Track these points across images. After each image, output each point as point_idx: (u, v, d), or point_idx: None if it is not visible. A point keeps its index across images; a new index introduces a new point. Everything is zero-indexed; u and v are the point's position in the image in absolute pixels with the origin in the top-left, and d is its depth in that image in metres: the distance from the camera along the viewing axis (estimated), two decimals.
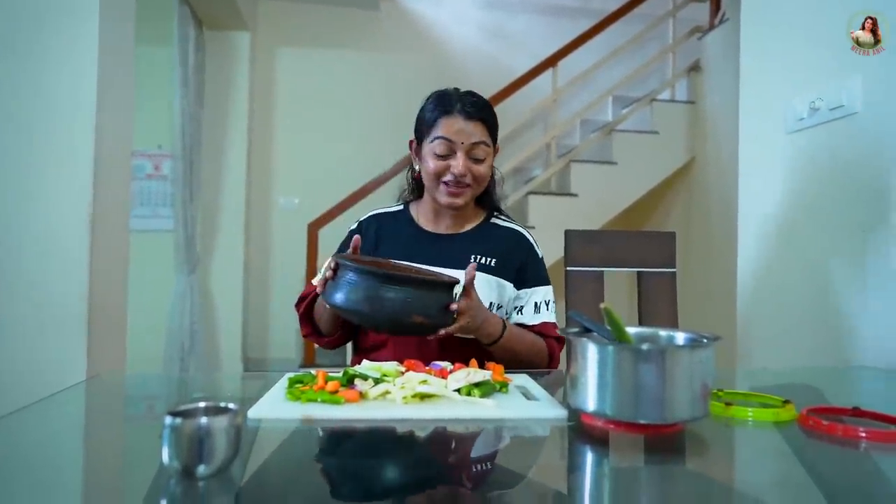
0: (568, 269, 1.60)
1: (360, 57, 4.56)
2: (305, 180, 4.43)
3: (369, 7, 4.49)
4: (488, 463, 0.72)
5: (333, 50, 4.54)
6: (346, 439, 0.78)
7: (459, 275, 1.20)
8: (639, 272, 1.63)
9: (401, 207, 1.43)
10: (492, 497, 0.62)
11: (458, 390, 0.88)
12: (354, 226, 1.41)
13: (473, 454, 0.75)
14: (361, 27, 4.55)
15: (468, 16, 4.77)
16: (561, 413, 0.82)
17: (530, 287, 1.35)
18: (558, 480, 0.69)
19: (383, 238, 1.36)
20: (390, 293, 1.04)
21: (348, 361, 1.38)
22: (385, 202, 1.47)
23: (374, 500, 0.61)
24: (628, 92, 4.50)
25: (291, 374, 0.97)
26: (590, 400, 0.76)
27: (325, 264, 1.39)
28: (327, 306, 1.13)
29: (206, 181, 4.01)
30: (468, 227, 1.39)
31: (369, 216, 1.42)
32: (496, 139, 1.33)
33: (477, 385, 0.89)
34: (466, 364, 0.99)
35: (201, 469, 0.57)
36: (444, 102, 1.28)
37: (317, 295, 1.33)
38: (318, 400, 0.85)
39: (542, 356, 1.30)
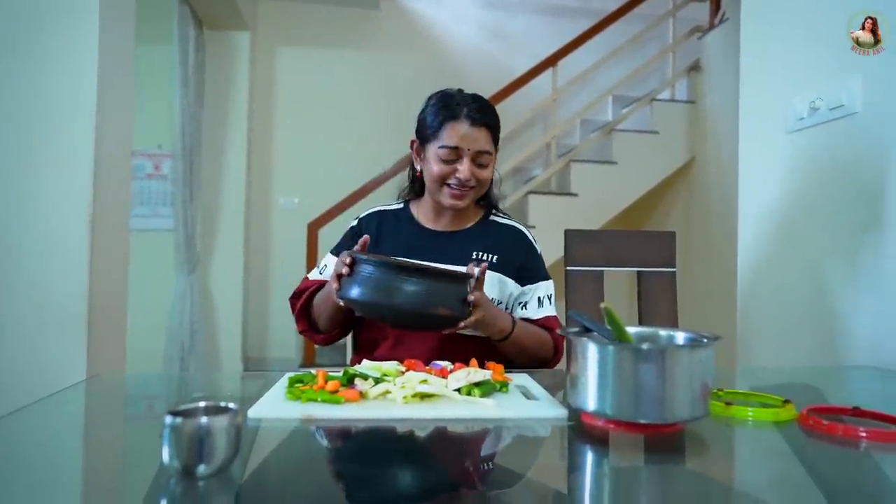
0: (568, 268, 1.60)
1: (360, 56, 4.56)
2: (305, 180, 4.43)
3: (369, 6, 4.49)
4: (488, 463, 0.72)
5: (333, 50, 4.54)
6: (346, 439, 0.78)
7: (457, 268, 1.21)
8: (639, 272, 1.63)
9: (401, 205, 1.43)
10: (492, 497, 0.62)
11: (459, 390, 0.88)
12: (355, 223, 1.41)
13: (473, 454, 0.75)
14: (361, 27, 4.55)
15: (468, 15, 4.77)
16: (561, 413, 0.83)
17: (534, 283, 1.37)
18: (558, 480, 0.69)
19: (384, 235, 1.37)
20: (413, 286, 1.04)
21: (348, 361, 1.38)
22: (385, 201, 1.48)
23: (375, 500, 0.61)
24: (628, 92, 4.50)
25: (291, 374, 0.97)
26: (590, 400, 0.76)
27: (323, 260, 1.40)
28: (338, 302, 1.12)
29: (206, 181, 4.01)
30: (468, 224, 1.40)
31: (369, 213, 1.42)
32: (498, 142, 1.34)
33: (477, 385, 0.89)
34: (466, 364, 0.99)
35: (201, 469, 0.57)
36: (450, 106, 1.28)
37: (314, 291, 1.33)
38: (319, 399, 0.85)
39: (548, 349, 1.32)
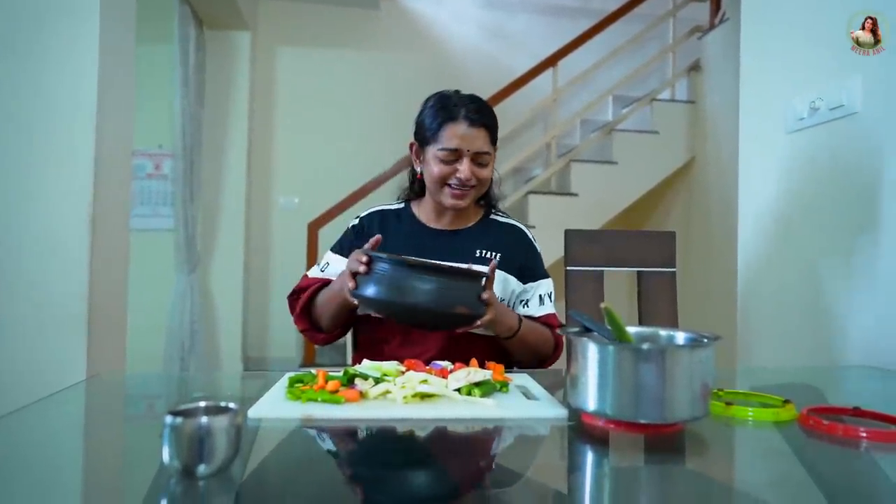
0: (568, 268, 1.60)
1: (360, 56, 4.56)
2: (305, 180, 4.43)
3: (369, 6, 4.49)
4: (488, 463, 0.72)
5: (334, 49, 4.54)
6: (346, 439, 0.78)
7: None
8: (639, 272, 1.63)
9: (402, 205, 1.44)
10: (492, 497, 0.62)
11: (459, 390, 0.88)
12: (356, 222, 1.41)
13: (474, 454, 0.75)
14: (362, 27, 4.55)
15: (468, 15, 4.77)
16: (561, 413, 0.83)
17: (535, 280, 1.39)
18: (558, 480, 0.69)
19: (387, 234, 1.36)
20: (433, 284, 1.04)
21: (349, 361, 1.38)
22: (385, 201, 1.48)
23: (375, 500, 0.61)
24: (628, 92, 4.50)
25: (292, 374, 0.97)
26: (590, 399, 0.76)
27: (324, 258, 1.39)
28: (351, 300, 1.12)
29: (207, 180, 4.01)
30: (470, 223, 1.41)
31: (371, 212, 1.42)
32: (496, 141, 1.35)
33: (477, 384, 0.89)
34: (467, 363, 0.99)
35: (201, 468, 0.57)
36: (448, 108, 1.29)
37: (316, 290, 1.33)
38: (319, 399, 0.85)
39: (550, 345, 1.34)
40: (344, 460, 0.72)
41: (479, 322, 1.11)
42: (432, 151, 1.29)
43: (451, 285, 1.06)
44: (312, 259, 3.73)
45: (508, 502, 0.60)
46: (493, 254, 1.35)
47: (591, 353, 0.76)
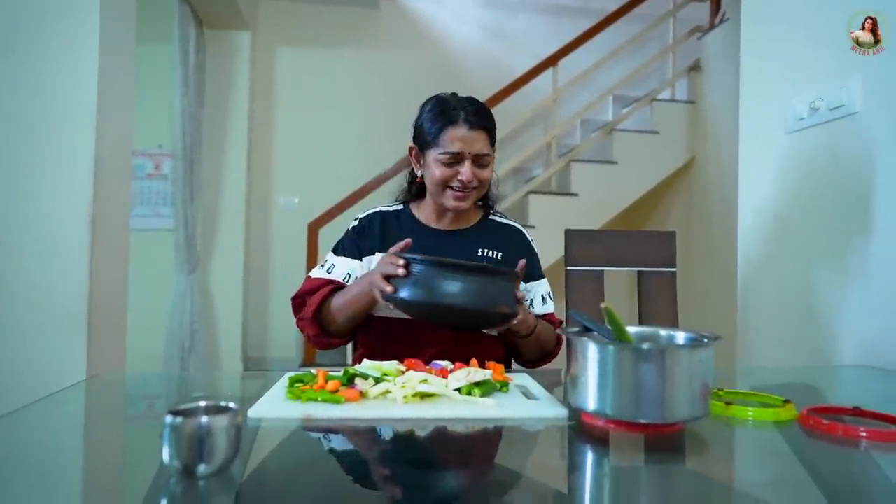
0: (568, 268, 1.60)
1: (361, 56, 4.56)
2: (305, 180, 4.43)
3: (369, 6, 4.49)
4: (488, 462, 0.72)
5: (334, 49, 4.54)
6: (346, 439, 0.78)
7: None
8: (639, 272, 1.63)
9: (400, 207, 1.44)
10: (492, 497, 0.62)
11: (459, 389, 0.88)
12: (356, 223, 1.41)
13: (473, 453, 0.75)
14: (362, 26, 4.55)
15: (468, 15, 4.77)
16: (561, 412, 0.83)
17: (535, 280, 1.41)
18: (558, 480, 0.69)
19: (389, 234, 1.37)
20: (476, 285, 1.04)
21: (349, 360, 1.38)
22: (385, 201, 1.48)
23: (374, 500, 0.61)
24: (628, 91, 4.50)
25: (292, 374, 0.97)
26: (590, 399, 0.76)
27: (329, 260, 1.37)
28: (383, 304, 1.11)
29: (207, 180, 4.01)
30: (470, 224, 1.42)
31: (371, 213, 1.42)
32: (495, 142, 1.36)
33: (477, 384, 0.89)
34: (467, 363, 0.99)
35: (201, 468, 0.57)
36: (447, 112, 1.30)
37: (325, 296, 1.30)
38: (319, 399, 0.85)
39: (553, 341, 1.36)
40: (344, 460, 0.72)
41: (514, 320, 1.12)
42: (433, 155, 1.30)
43: (491, 285, 1.06)
44: (312, 259, 3.73)
45: (508, 502, 0.60)
46: (495, 253, 1.37)
47: (592, 353, 0.76)
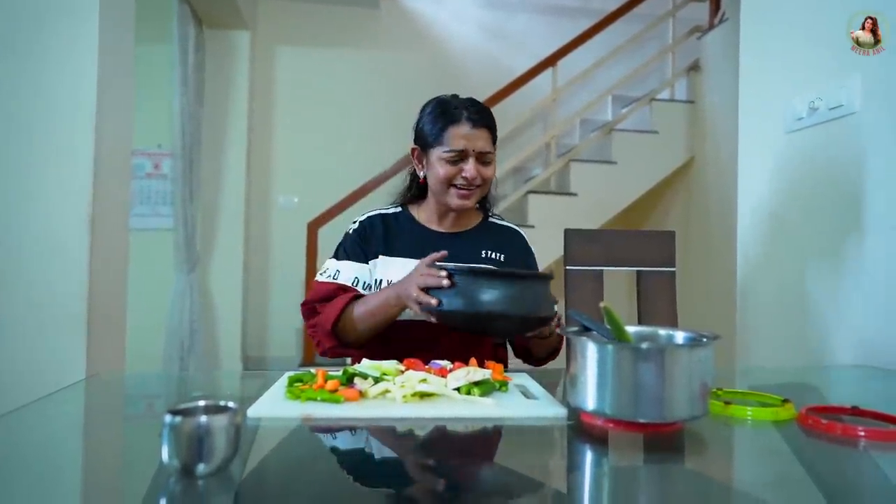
0: (567, 268, 1.60)
1: (360, 56, 4.56)
2: (305, 179, 4.43)
3: (369, 6, 4.49)
4: (488, 462, 0.73)
5: (333, 49, 4.54)
6: (345, 438, 0.79)
7: None
8: (638, 271, 1.63)
9: (399, 209, 1.43)
10: (491, 496, 0.62)
11: (458, 389, 0.88)
12: (356, 225, 1.39)
13: (473, 453, 0.75)
14: (361, 26, 4.55)
15: (468, 15, 4.77)
16: (560, 412, 0.83)
17: None
18: (558, 479, 0.69)
19: (392, 237, 1.36)
20: (523, 292, 1.05)
21: (348, 360, 1.38)
22: (385, 201, 1.47)
23: (374, 500, 0.61)
24: (628, 91, 4.50)
25: (291, 373, 0.97)
26: (589, 399, 0.76)
27: (333, 266, 1.34)
28: (423, 315, 1.10)
29: (206, 180, 4.01)
30: (471, 225, 1.42)
31: (371, 215, 1.41)
32: (496, 142, 1.36)
33: (476, 384, 0.89)
34: (466, 363, 0.99)
35: (201, 468, 0.57)
36: (449, 111, 1.30)
37: (344, 306, 1.26)
38: (318, 399, 0.85)
39: (558, 339, 1.35)
40: (343, 459, 0.72)
41: (552, 323, 1.13)
42: (437, 154, 1.30)
43: (532, 290, 1.07)
44: (312, 258, 3.73)
45: (508, 502, 0.60)
46: (498, 255, 1.37)
47: (591, 353, 0.76)
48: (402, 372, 0.93)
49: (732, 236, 2.03)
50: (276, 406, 0.84)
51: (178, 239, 3.78)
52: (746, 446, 0.80)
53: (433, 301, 1.07)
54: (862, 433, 0.76)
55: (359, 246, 1.35)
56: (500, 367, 1.00)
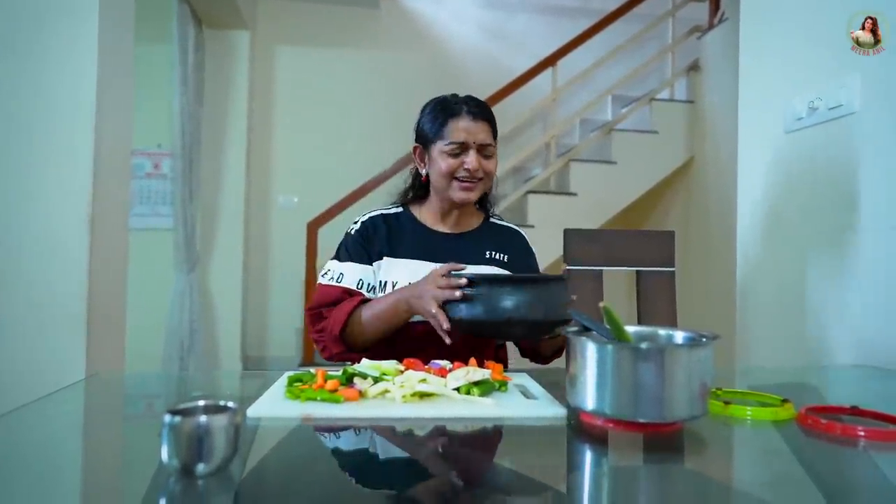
0: (567, 268, 1.60)
1: (360, 56, 4.56)
2: (305, 179, 4.43)
3: (369, 6, 4.49)
4: (487, 462, 0.73)
5: (333, 49, 4.54)
6: (345, 438, 0.79)
7: (478, 271, 1.26)
8: (638, 271, 1.63)
9: (400, 209, 1.42)
10: (491, 496, 0.62)
11: (458, 389, 0.88)
12: (358, 226, 1.37)
13: (472, 453, 0.75)
14: (361, 26, 4.55)
15: (468, 15, 4.77)
16: (560, 412, 0.83)
17: None
18: (557, 479, 0.69)
19: (395, 237, 1.35)
20: (543, 295, 1.05)
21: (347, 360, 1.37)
22: (385, 201, 1.46)
23: (373, 500, 0.61)
24: (628, 91, 4.50)
25: (291, 373, 0.97)
26: (589, 399, 0.76)
27: (337, 269, 1.32)
28: (446, 326, 1.09)
29: (206, 180, 4.01)
30: (473, 226, 1.42)
31: (373, 216, 1.39)
32: (496, 138, 1.37)
33: (476, 384, 0.89)
34: (466, 363, 0.99)
35: (200, 467, 0.57)
36: (449, 107, 1.32)
37: (351, 312, 1.25)
38: (318, 398, 0.85)
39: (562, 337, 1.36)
40: (343, 459, 0.72)
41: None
42: (438, 148, 1.31)
43: (550, 293, 1.07)
44: (312, 258, 3.73)
45: (507, 501, 0.60)
46: (501, 255, 1.37)
47: (590, 353, 0.76)
48: (402, 372, 0.93)
49: (732, 236, 2.03)
50: (275, 406, 0.84)
51: (178, 239, 3.78)
52: (746, 446, 0.80)
53: (444, 322, 1.07)
54: (861, 433, 0.76)
55: (361, 246, 1.33)
56: (500, 367, 1.00)
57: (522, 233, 1.47)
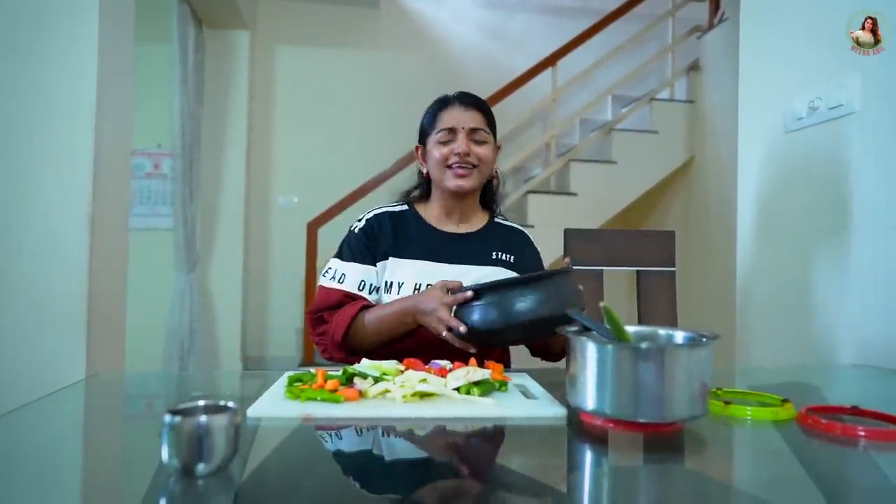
0: (568, 258, 1.60)
1: (360, 56, 4.56)
2: (305, 179, 4.43)
3: (369, 6, 4.49)
4: (487, 462, 0.73)
5: (333, 49, 4.54)
6: (345, 438, 0.79)
7: (481, 271, 1.29)
8: (638, 271, 1.63)
9: (405, 207, 1.41)
10: (490, 496, 0.62)
11: (458, 389, 0.88)
12: (362, 224, 1.36)
13: (472, 453, 0.75)
14: (361, 26, 4.55)
15: (468, 15, 4.77)
16: (560, 412, 0.83)
17: None
18: (557, 479, 0.69)
19: (401, 236, 1.34)
20: (555, 291, 1.05)
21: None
22: (385, 201, 1.46)
23: (374, 500, 0.61)
24: (628, 91, 4.50)
25: (291, 373, 0.97)
26: (589, 399, 0.76)
27: (338, 269, 1.30)
28: (458, 332, 1.08)
29: (206, 180, 4.01)
30: (478, 226, 1.41)
31: (378, 213, 1.38)
32: (495, 132, 1.38)
33: (476, 384, 0.89)
34: (466, 363, 0.99)
35: (200, 467, 0.57)
36: (442, 100, 1.37)
37: (353, 317, 1.24)
38: (318, 398, 0.85)
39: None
40: (343, 459, 0.72)
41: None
42: (432, 141, 1.33)
43: (559, 288, 1.06)
44: (312, 258, 3.73)
45: (507, 501, 0.60)
46: (508, 256, 1.37)
47: (590, 353, 0.76)
48: (402, 372, 0.93)
49: (732, 236, 2.02)
50: (275, 406, 0.84)
51: (178, 239, 3.78)
52: (746, 446, 0.80)
53: (462, 329, 1.06)
54: (862, 433, 0.76)
55: (365, 245, 1.32)
56: (500, 366, 1.00)
57: (526, 232, 1.47)
